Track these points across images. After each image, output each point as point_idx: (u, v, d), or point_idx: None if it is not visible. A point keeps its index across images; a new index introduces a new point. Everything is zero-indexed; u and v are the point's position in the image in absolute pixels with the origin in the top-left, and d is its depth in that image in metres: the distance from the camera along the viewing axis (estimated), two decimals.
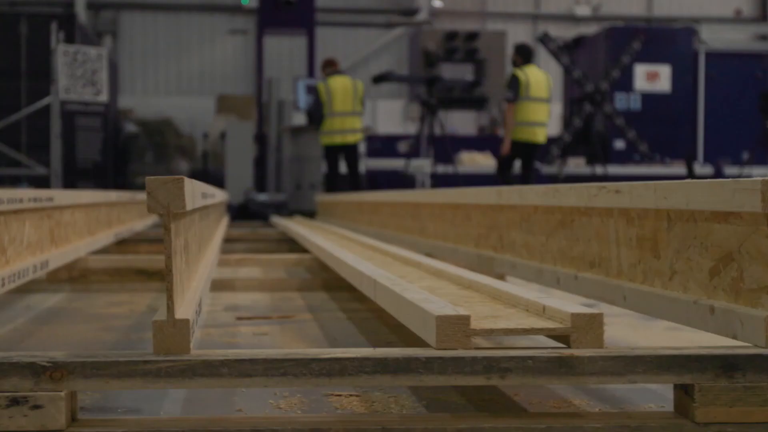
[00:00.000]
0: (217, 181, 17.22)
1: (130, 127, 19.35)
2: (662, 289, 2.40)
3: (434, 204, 5.11)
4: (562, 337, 2.07)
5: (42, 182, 14.70)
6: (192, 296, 2.46)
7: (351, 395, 2.46)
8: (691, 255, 2.26)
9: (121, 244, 6.85)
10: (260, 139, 17.19)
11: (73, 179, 15.15)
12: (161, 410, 2.35)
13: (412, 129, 20.46)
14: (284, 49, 21.42)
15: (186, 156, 19.86)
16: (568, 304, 2.18)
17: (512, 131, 11.66)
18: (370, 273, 3.14)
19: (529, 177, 12.05)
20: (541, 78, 11.72)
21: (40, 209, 3.97)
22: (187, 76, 22.65)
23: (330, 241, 5.25)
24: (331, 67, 12.88)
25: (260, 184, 16.91)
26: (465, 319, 1.99)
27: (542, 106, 11.76)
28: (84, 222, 5.23)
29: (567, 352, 1.94)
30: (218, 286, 5.07)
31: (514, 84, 11.58)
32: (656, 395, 2.50)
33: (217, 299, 4.71)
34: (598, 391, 2.52)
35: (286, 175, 16.75)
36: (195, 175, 18.44)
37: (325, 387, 2.15)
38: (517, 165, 12.22)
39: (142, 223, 8.71)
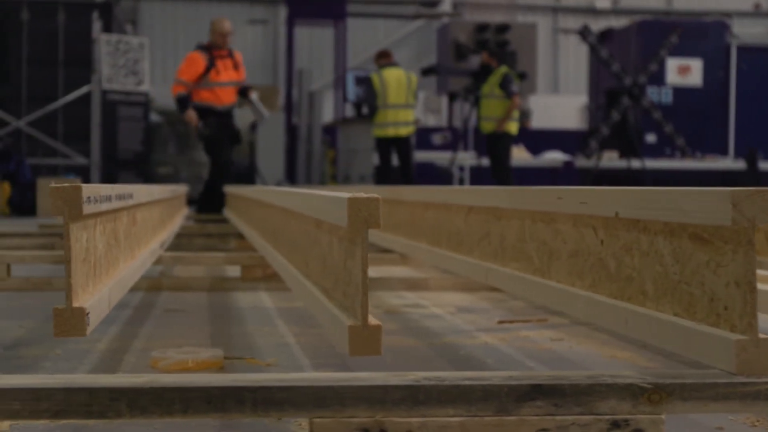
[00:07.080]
0: (248, 173, 17.09)
1: (154, 117, 19.12)
2: None
3: None
4: None
5: (82, 172, 14.50)
6: None
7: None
8: None
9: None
10: (290, 130, 17.04)
11: (113, 169, 14.94)
12: None
13: (432, 121, 20.39)
14: (304, 40, 21.26)
15: None
16: None
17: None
18: None
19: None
20: None
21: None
22: None
23: None
24: (385, 59, 12.73)
25: (290, 176, 16.77)
26: None
27: None
28: None
29: None
30: (412, 285, 4.97)
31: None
32: None
33: (434, 299, 4.61)
34: None
35: (317, 166, 16.62)
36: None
37: None
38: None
39: None
